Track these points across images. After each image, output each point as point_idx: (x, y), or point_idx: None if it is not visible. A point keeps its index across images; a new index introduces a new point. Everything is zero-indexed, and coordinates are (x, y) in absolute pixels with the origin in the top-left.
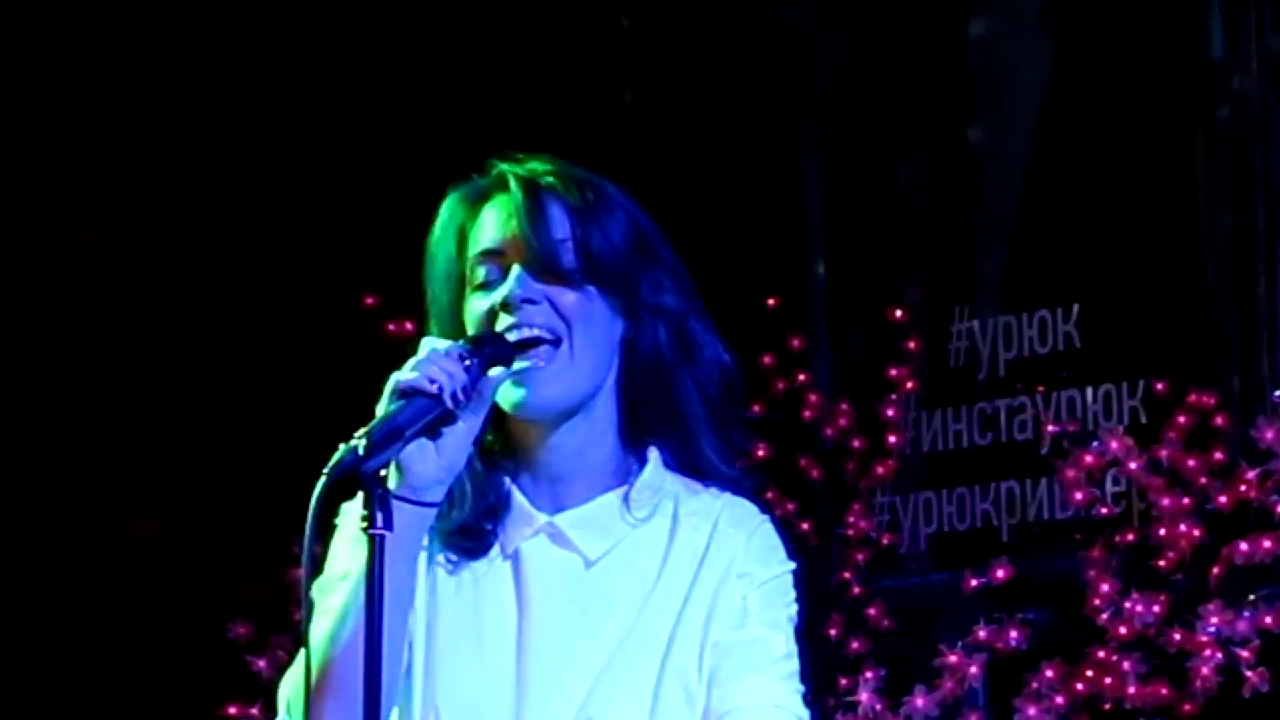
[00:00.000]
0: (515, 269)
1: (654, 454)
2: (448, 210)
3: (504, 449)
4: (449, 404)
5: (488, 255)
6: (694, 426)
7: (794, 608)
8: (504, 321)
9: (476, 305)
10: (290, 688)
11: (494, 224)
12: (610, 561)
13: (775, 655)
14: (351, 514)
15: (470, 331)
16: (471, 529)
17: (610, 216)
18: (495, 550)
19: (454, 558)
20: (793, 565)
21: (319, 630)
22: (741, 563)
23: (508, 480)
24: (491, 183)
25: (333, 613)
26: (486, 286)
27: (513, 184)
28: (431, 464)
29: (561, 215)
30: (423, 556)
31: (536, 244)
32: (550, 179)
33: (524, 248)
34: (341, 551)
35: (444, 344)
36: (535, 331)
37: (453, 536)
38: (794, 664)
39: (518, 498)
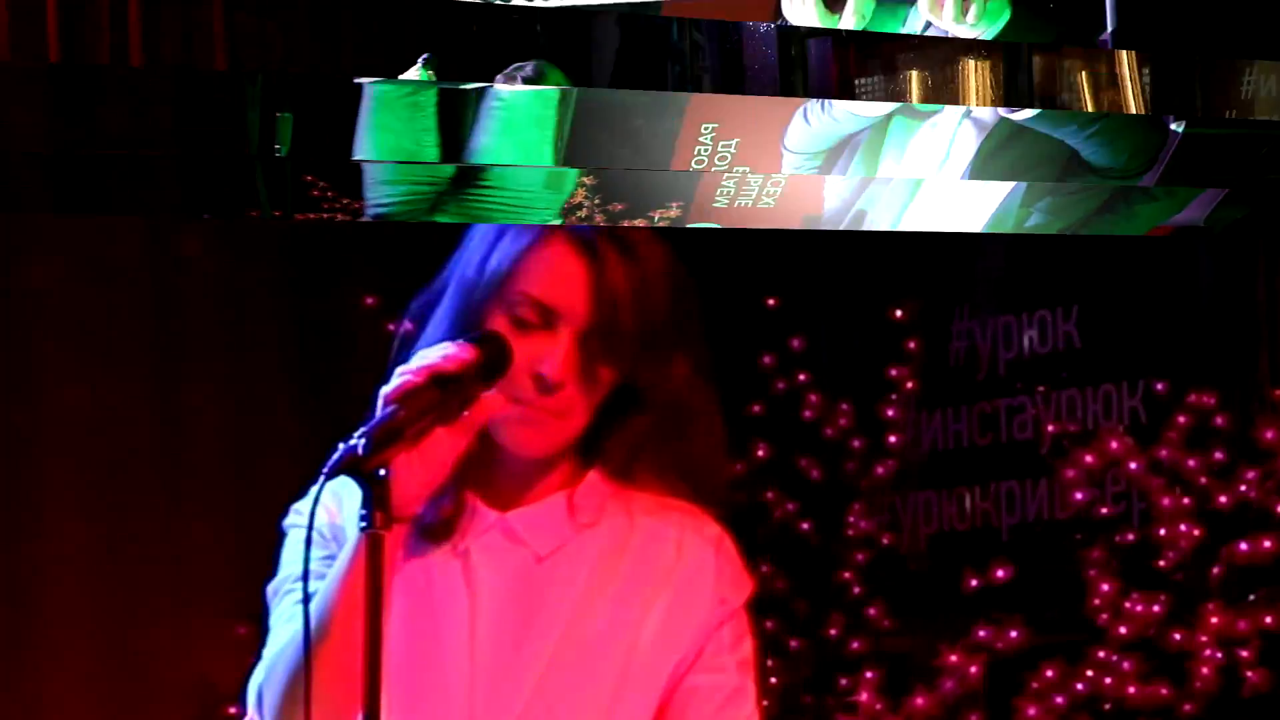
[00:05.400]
0: (564, 346)
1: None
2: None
3: (467, 460)
4: (448, 389)
5: (539, 304)
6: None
7: (751, 640)
8: (532, 387)
9: (515, 344)
10: (257, 684)
11: (559, 275)
12: (561, 556)
13: (747, 709)
14: (301, 514)
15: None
16: (428, 526)
17: (663, 294)
18: (447, 547)
19: (407, 553)
20: (751, 585)
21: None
22: (716, 583)
23: (466, 489)
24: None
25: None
26: (527, 327)
27: (587, 246)
28: (415, 483)
29: (626, 298)
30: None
31: (595, 328)
32: (622, 245)
33: (582, 323)
34: (290, 555)
35: (438, 349)
36: (548, 409)
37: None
38: (756, 714)
39: (472, 501)
